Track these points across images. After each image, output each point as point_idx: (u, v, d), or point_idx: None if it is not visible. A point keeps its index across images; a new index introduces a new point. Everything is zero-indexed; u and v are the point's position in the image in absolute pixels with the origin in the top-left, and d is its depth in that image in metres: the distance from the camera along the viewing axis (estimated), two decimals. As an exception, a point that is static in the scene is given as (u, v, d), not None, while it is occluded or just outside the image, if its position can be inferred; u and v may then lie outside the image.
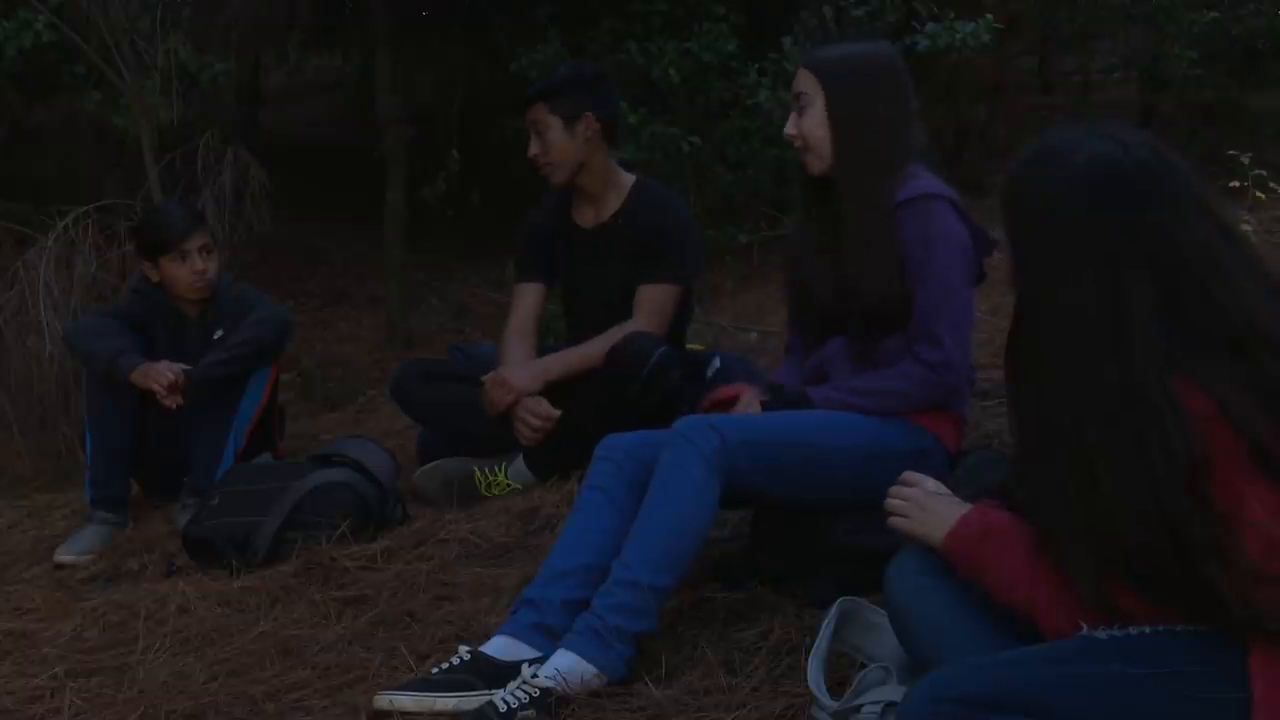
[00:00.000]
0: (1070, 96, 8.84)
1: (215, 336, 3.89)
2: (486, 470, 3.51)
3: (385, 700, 2.35)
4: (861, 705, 2.03)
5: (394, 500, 3.47)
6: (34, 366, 5.02)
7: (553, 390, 3.48)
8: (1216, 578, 1.60)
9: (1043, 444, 1.75)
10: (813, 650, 2.16)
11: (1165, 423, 1.61)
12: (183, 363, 3.76)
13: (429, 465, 3.64)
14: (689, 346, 3.78)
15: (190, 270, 3.90)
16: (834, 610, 2.20)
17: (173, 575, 3.39)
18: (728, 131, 6.28)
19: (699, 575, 2.66)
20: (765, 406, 2.66)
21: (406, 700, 2.33)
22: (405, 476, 3.63)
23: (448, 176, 7.04)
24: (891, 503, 1.99)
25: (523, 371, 3.50)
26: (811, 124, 2.66)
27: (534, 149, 3.56)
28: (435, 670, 2.41)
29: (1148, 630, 1.67)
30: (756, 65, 6.00)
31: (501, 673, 2.33)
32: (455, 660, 2.40)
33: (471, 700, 2.29)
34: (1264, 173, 5.39)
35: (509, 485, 3.48)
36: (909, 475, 2.02)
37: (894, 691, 2.01)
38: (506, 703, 2.23)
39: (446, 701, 2.32)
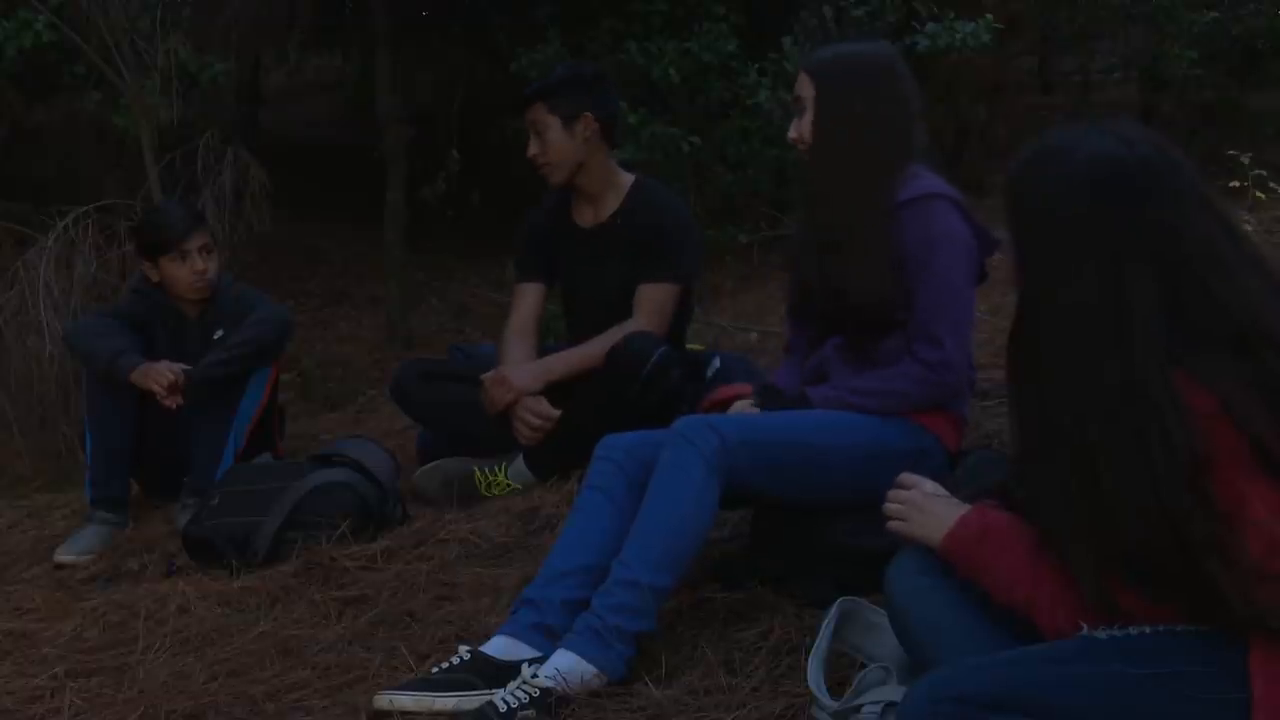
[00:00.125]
0: (1070, 96, 8.85)
1: (215, 336, 3.89)
2: (486, 470, 3.51)
3: (385, 700, 2.35)
4: (861, 705, 2.02)
5: (394, 500, 3.47)
6: (34, 366, 5.02)
7: (553, 390, 3.48)
8: (1218, 575, 1.60)
9: (1044, 442, 1.74)
10: (813, 650, 2.16)
11: (1166, 419, 1.61)
12: (183, 363, 3.76)
13: (429, 465, 3.64)
14: (689, 346, 3.78)
15: (190, 270, 3.90)
16: (834, 610, 2.20)
17: (173, 575, 3.39)
18: (728, 131, 6.29)
19: (699, 575, 2.66)
20: (763, 407, 2.66)
21: (406, 700, 2.33)
22: (405, 476, 3.63)
23: (448, 176, 7.04)
24: (889, 506, 1.98)
25: (524, 371, 3.51)
26: (811, 126, 2.66)
27: (533, 149, 3.56)
28: (435, 670, 2.41)
29: (1148, 630, 1.67)
30: (756, 65, 6.00)
31: (501, 673, 2.33)
32: (455, 660, 2.40)
33: (471, 700, 2.29)
34: (1264, 173, 5.39)
35: (509, 485, 3.48)
36: (906, 477, 2.02)
37: (894, 691, 2.01)
38: (506, 703, 2.23)
39: (446, 701, 2.32)
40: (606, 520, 2.47)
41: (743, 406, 2.69)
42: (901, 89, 2.67)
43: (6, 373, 5.09)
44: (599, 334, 3.48)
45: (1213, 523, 1.60)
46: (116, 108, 5.66)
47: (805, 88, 2.68)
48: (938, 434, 2.62)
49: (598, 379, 3.38)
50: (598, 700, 2.28)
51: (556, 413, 3.44)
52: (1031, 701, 1.64)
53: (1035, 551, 1.78)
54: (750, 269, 6.31)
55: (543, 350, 3.65)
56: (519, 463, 3.49)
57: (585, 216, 3.65)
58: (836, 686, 2.13)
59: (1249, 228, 4.51)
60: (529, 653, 2.36)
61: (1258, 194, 5.31)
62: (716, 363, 3.59)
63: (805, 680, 2.13)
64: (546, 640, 2.37)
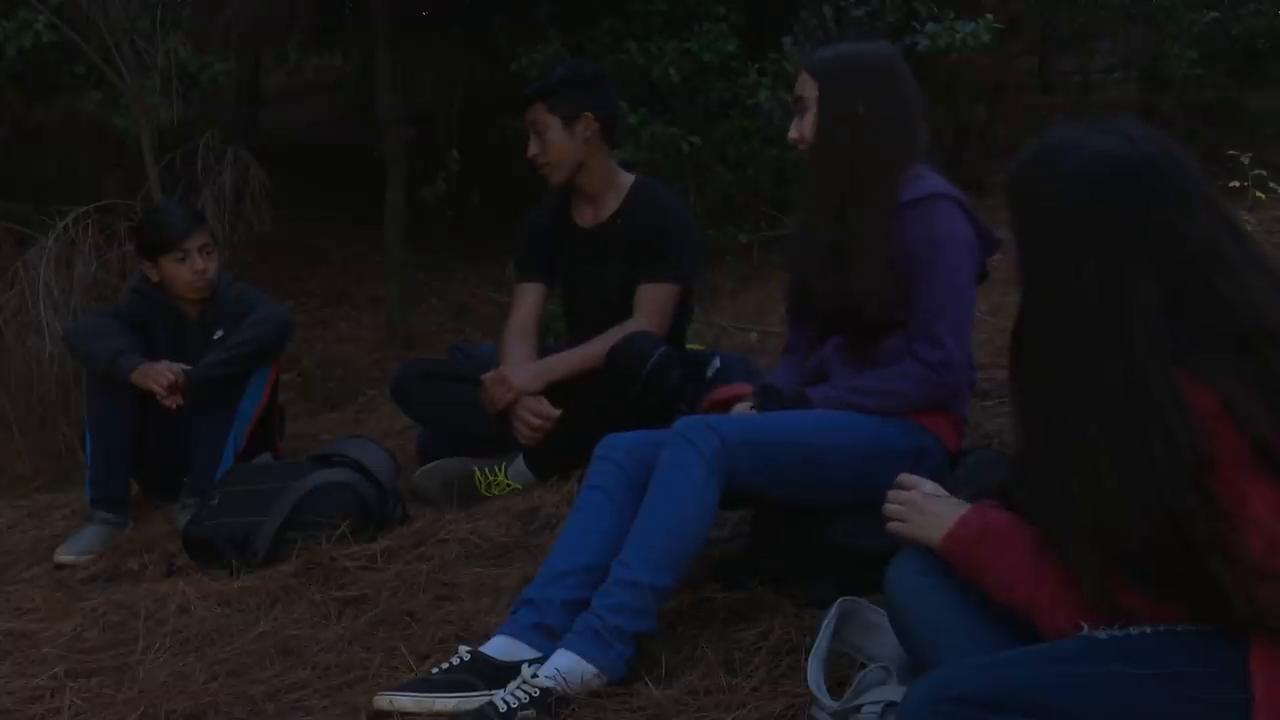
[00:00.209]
0: (1070, 96, 8.85)
1: (215, 336, 3.89)
2: (486, 470, 3.51)
3: (385, 700, 2.35)
4: (861, 705, 2.02)
5: (394, 500, 3.47)
6: (34, 366, 5.02)
7: (553, 390, 3.48)
8: (1220, 574, 1.60)
9: (1046, 441, 1.74)
10: (813, 650, 2.15)
11: (1168, 418, 1.61)
12: (183, 363, 3.76)
13: (429, 465, 3.64)
14: (689, 346, 3.78)
15: (190, 269, 3.90)
16: (834, 610, 2.20)
17: (173, 575, 3.39)
18: (728, 131, 6.29)
19: (699, 575, 2.66)
20: (760, 407, 2.66)
21: (406, 700, 2.33)
22: (405, 476, 3.62)
23: (448, 176, 7.04)
24: (889, 507, 1.98)
25: (524, 371, 3.51)
26: (812, 126, 2.66)
27: (533, 149, 3.56)
28: (435, 670, 2.41)
29: (1149, 630, 1.67)
30: (756, 65, 6.01)
31: (501, 673, 2.33)
32: (455, 660, 2.39)
33: (471, 700, 2.29)
34: (1264, 173, 5.39)
35: (509, 485, 3.48)
36: (905, 478, 2.02)
37: (894, 691, 2.01)
38: (506, 703, 2.23)
39: (446, 702, 2.32)
40: (606, 520, 2.47)
41: (744, 409, 2.69)
42: (903, 89, 2.66)
43: (6, 373, 5.09)
44: (599, 334, 3.48)
45: (1216, 522, 1.60)
46: (116, 108, 5.66)
47: (807, 88, 2.67)
48: (938, 434, 2.62)
49: (598, 379, 3.38)
50: (598, 700, 2.28)
51: (556, 412, 3.44)
52: (1032, 701, 1.64)
53: (1036, 551, 1.78)
54: (750, 269, 6.31)
55: (543, 350, 3.65)
56: (519, 463, 3.49)
57: (585, 216, 3.65)
58: (836, 686, 2.13)
59: (1249, 227, 4.51)
60: (529, 653, 2.36)
61: (1258, 194, 5.31)
62: (716, 363, 3.59)
63: (805, 680, 2.13)
64: (546, 640, 2.37)
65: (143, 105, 5.51)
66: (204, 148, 5.61)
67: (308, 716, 2.45)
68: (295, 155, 9.00)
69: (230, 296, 3.98)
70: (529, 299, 3.68)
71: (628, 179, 3.66)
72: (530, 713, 2.23)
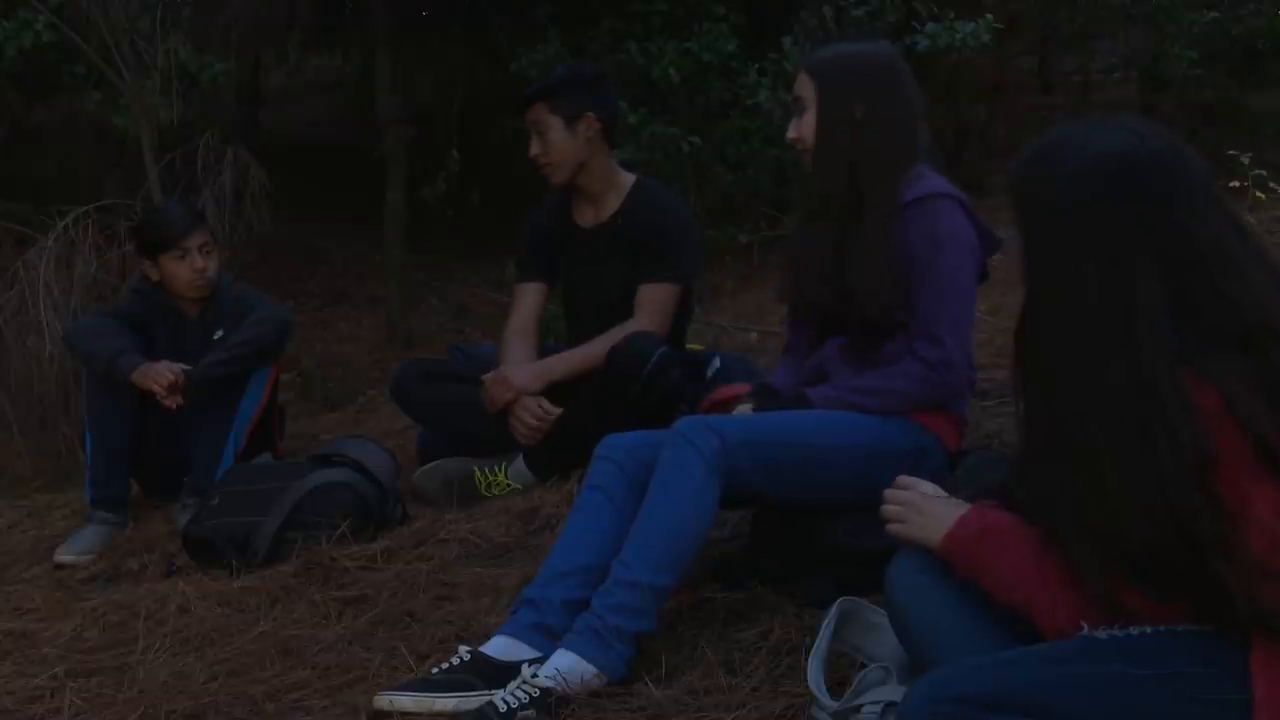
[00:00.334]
0: (1070, 96, 8.85)
1: (215, 336, 3.89)
2: (486, 470, 3.51)
3: (385, 700, 2.35)
4: (861, 705, 2.02)
5: (394, 500, 3.47)
6: (34, 366, 5.02)
7: (553, 390, 3.48)
8: (1224, 574, 1.59)
9: (1049, 441, 1.73)
10: (813, 650, 2.15)
11: (1173, 418, 1.60)
12: (183, 363, 3.76)
13: (429, 465, 3.64)
14: (689, 346, 3.78)
15: (190, 268, 3.90)
16: (834, 610, 2.20)
17: (173, 575, 3.39)
18: (728, 131, 6.29)
19: (699, 575, 2.66)
20: (758, 407, 2.66)
21: (406, 700, 2.33)
22: (405, 476, 3.63)
23: (448, 176, 7.05)
24: (887, 508, 1.97)
25: (524, 371, 3.51)
26: (811, 126, 2.66)
27: (534, 149, 3.57)
28: (435, 670, 2.41)
29: (1149, 630, 1.66)
30: (756, 65, 6.01)
31: (501, 673, 2.33)
32: (455, 660, 2.39)
33: (471, 700, 2.29)
34: (1264, 173, 5.39)
35: (509, 485, 3.48)
36: (904, 479, 2.01)
37: (894, 691, 2.01)
38: (506, 703, 2.23)
39: (446, 702, 2.31)
40: (606, 520, 2.47)
41: (744, 409, 2.69)
42: (903, 89, 2.66)
43: (6, 373, 5.10)
44: (599, 334, 3.48)
45: (1220, 522, 1.59)
46: (116, 108, 5.67)
47: (806, 88, 2.67)
48: (938, 434, 2.61)
49: (598, 379, 3.38)
50: (598, 700, 2.28)
51: (556, 411, 3.44)
52: (1032, 701, 1.63)
53: (1036, 551, 1.77)
54: (750, 269, 6.31)
55: (543, 350, 3.65)
56: (519, 463, 3.49)
57: (586, 216, 3.65)
58: (836, 686, 2.12)
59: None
60: (529, 653, 2.36)
61: (1258, 194, 5.31)
62: (716, 363, 3.59)
63: (805, 680, 2.13)
64: (546, 640, 2.37)
65: (143, 105, 5.52)
66: (204, 148, 5.61)
67: (308, 716, 2.45)
68: (295, 155, 9.00)
69: (230, 296, 3.98)
70: (529, 299, 3.68)
71: (628, 179, 3.66)
72: (530, 713, 2.23)
